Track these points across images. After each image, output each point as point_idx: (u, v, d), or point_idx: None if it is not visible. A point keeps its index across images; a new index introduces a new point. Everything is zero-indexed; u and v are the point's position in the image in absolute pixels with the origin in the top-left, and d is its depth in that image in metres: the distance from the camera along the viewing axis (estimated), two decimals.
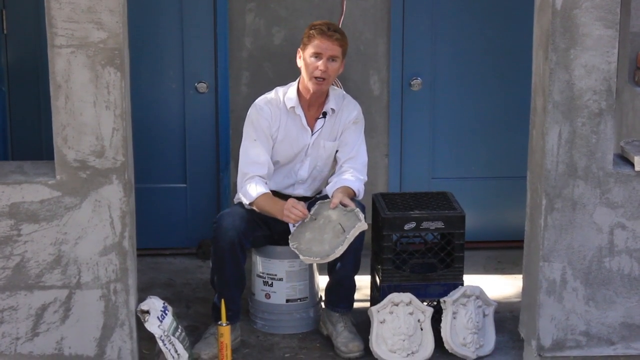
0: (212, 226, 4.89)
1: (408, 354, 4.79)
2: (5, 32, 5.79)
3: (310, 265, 5.10)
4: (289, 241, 4.80)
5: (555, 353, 4.58)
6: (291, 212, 4.77)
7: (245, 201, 4.90)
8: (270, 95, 5.02)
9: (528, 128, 4.64)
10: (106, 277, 4.39)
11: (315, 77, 4.88)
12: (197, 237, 6.03)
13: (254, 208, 4.88)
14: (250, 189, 4.87)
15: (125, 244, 4.37)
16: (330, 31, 4.87)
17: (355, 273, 4.97)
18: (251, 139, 4.95)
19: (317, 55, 4.87)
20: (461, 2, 5.96)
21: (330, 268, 4.97)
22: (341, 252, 4.69)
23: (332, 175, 5.11)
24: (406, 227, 4.95)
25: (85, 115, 4.24)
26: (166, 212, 6.01)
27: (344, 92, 5.16)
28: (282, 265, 5.06)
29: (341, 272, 4.92)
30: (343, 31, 4.98)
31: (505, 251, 6.08)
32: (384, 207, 5.02)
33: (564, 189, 4.42)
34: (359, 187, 4.99)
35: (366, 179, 5.07)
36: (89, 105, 4.24)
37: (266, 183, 4.93)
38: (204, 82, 5.90)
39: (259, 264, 5.10)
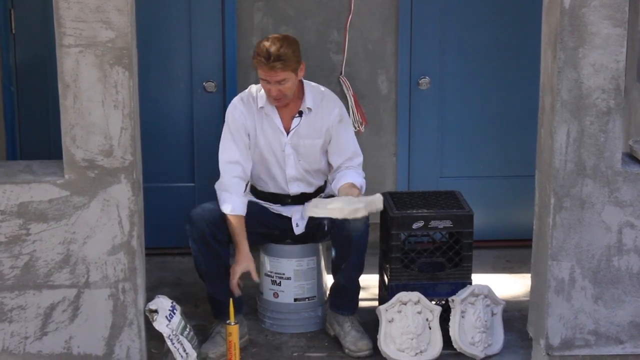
0: (185, 220, 4.91)
1: (416, 353, 4.79)
2: (13, 31, 5.80)
3: (318, 264, 5.10)
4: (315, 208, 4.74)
5: (563, 352, 4.58)
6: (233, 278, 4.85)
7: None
8: (245, 92, 5.01)
9: (536, 127, 4.63)
10: (115, 277, 4.39)
11: (271, 97, 4.85)
12: None
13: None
14: (224, 205, 4.87)
15: (134, 243, 4.38)
16: (271, 62, 4.70)
17: (360, 275, 4.96)
18: (227, 138, 4.96)
19: (266, 81, 4.80)
20: (469, 1, 5.95)
21: (334, 270, 4.97)
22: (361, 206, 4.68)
23: (326, 168, 5.09)
24: (414, 226, 4.95)
25: (94, 114, 4.25)
26: (174, 212, 6.00)
27: (323, 89, 5.06)
28: (290, 264, 5.06)
29: (345, 274, 4.92)
30: (287, 51, 4.75)
31: (513, 250, 6.08)
32: (392, 206, 5.02)
33: (573, 188, 4.42)
34: (361, 183, 4.99)
35: (364, 174, 5.07)
36: (98, 105, 4.24)
37: (245, 183, 4.93)
38: (212, 82, 5.90)
39: (267, 263, 5.11)
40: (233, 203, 4.85)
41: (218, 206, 4.88)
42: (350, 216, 4.66)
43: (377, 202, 4.74)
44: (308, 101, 4.95)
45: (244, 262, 4.82)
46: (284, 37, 4.85)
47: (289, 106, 4.94)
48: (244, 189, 4.92)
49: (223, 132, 4.98)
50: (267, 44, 4.76)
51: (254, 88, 5.00)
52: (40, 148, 5.86)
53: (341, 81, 5.87)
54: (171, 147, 5.98)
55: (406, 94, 6.02)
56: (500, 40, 5.99)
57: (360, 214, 4.66)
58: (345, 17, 5.86)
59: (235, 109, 4.96)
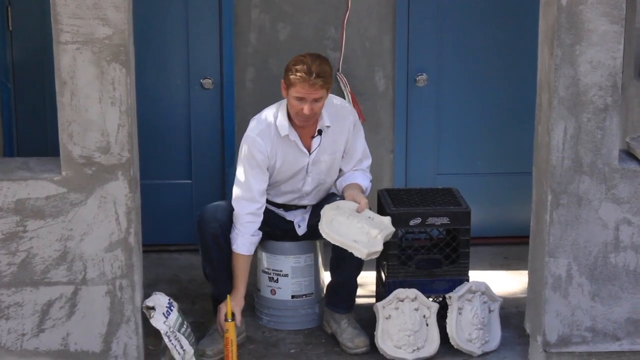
0: (195, 219, 4.90)
1: (414, 350, 4.79)
2: (10, 28, 5.79)
3: (316, 261, 5.10)
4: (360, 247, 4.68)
5: (560, 349, 4.58)
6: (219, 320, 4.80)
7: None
8: (261, 123, 4.83)
9: (533, 124, 4.63)
10: (112, 273, 4.39)
11: (300, 117, 4.73)
12: None
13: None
14: (233, 242, 4.81)
15: (131, 240, 4.38)
16: (314, 78, 4.60)
17: (358, 274, 4.96)
18: (244, 174, 4.81)
19: (300, 99, 4.68)
20: None
21: (333, 268, 4.96)
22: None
23: (337, 179, 5.06)
24: (412, 223, 4.95)
25: (91, 111, 4.25)
26: (171, 208, 6.02)
27: (334, 98, 4.95)
28: (287, 261, 5.06)
29: (344, 273, 4.91)
30: (326, 68, 4.69)
31: (510, 247, 6.08)
32: (390, 203, 5.02)
33: (570, 185, 4.42)
34: (367, 186, 4.98)
35: (371, 177, 5.07)
36: (95, 102, 4.24)
37: (259, 220, 4.84)
38: (209, 78, 5.90)
39: (264, 260, 5.10)
40: (240, 243, 4.81)
41: (228, 205, 4.87)
42: (370, 257, 4.68)
43: (391, 232, 4.75)
44: (325, 119, 4.84)
45: (231, 302, 4.75)
46: (317, 54, 4.76)
47: (307, 127, 4.85)
48: (257, 226, 4.85)
49: (239, 167, 4.84)
50: (307, 60, 4.66)
51: (270, 114, 4.85)
52: (37, 145, 5.86)
53: (338, 78, 5.87)
54: (168, 144, 5.97)
55: (403, 91, 6.01)
56: (498, 37, 5.99)
57: (379, 248, 4.68)
58: (342, 14, 5.86)
59: (255, 144, 4.79)
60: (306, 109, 4.68)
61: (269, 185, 4.91)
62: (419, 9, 5.92)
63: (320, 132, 4.87)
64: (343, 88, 5.86)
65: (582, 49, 4.29)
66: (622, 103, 4.70)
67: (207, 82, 5.90)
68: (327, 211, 4.74)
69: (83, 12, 4.15)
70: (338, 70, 5.88)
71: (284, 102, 4.85)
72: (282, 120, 4.81)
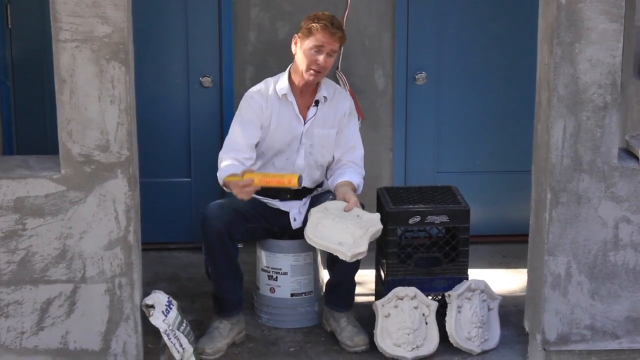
0: (199, 217, 4.89)
1: (413, 348, 4.79)
2: (9, 26, 5.79)
3: (315, 260, 5.10)
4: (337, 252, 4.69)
5: (560, 347, 4.58)
6: (241, 191, 4.65)
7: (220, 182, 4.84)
8: (260, 85, 5.01)
9: (533, 122, 4.63)
10: (111, 272, 4.39)
11: (312, 69, 4.86)
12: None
13: (226, 189, 4.81)
14: (220, 171, 4.81)
15: (130, 238, 4.38)
16: (334, 28, 4.85)
17: (356, 272, 4.96)
18: (236, 126, 4.92)
19: (317, 49, 4.84)
20: None
21: (330, 267, 4.97)
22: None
23: (330, 165, 5.08)
24: (411, 221, 4.95)
25: (90, 109, 4.25)
26: (171, 207, 6.02)
27: (332, 82, 5.15)
28: (286, 259, 5.06)
29: (341, 272, 4.92)
30: (341, 25, 4.96)
31: (510, 245, 6.08)
32: (389, 201, 5.02)
33: (569, 183, 4.42)
34: (359, 182, 4.98)
35: (364, 172, 5.07)
36: (94, 100, 4.24)
37: (241, 164, 4.84)
38: (209, 77, 5.90)
39: (264, 258, 5.10)
40: (225, 166, 4.78)
41: (231, 203, 4.86)
42: (355, 258, 4.68)
43: (377, 231, 4.74)
44: (323, 90, 4.99)
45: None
46: None
47: (304, 97, 4.97)
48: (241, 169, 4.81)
49: (233, 122, 4.95)
50: (326, 13, 4.92)
51: (270, 80, 5.00)
52: (36, 143, 5.86)
53: (338, 76, 5.87)
54: (168, 142, 5.98)
55: (403, 89, 6.02)
56: (497, 35, 6.00)
57: (363, 249, 4.67)
58: (341, 12, 5.86)
59: (252, 100, 4.94)
60: (322, 59, 4.83)
61: (262, 156, 4.94)
62: (418, 7, 5.93)
63: (317, 103, 4.96)
64: (342, 86, 5.86)
65: (582, 47, 4.29)
66: (621, 101, 4.70)
67: (207, 81, 5.90)
68: (313, 214, 4.76)
69: (82, 10, 4.15)
70: (337, 69, 5.89)
71: (284, 72, 4.99)
72: (282, 83, 4.96)
